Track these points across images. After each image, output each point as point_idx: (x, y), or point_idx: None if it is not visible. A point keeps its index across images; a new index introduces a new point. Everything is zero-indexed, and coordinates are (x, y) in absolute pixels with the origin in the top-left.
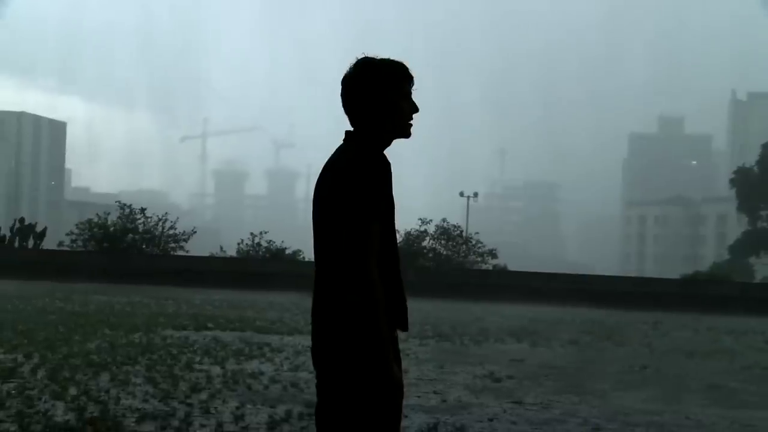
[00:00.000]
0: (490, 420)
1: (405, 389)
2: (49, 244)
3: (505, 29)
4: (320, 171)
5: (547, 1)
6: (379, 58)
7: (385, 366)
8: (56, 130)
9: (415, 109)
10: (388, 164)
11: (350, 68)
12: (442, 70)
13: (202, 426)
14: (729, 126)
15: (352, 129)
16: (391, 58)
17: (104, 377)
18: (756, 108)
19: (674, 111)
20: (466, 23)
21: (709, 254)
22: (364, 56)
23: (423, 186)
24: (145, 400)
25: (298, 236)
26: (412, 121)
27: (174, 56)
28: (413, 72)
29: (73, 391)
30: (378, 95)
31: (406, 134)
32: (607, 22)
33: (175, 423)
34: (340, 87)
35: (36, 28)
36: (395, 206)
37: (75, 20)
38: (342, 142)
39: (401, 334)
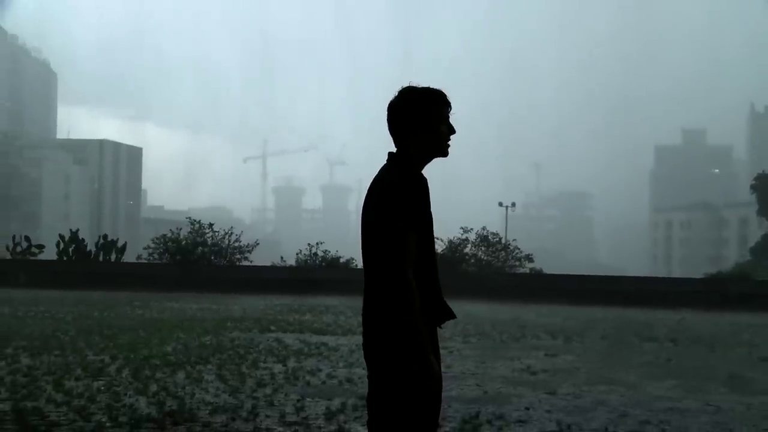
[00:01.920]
0: (527, 409)
1: (449, 382)
2: (128, 257)
3: (538, 50)
4: (368, 188)
5: (580, 21)
6: (421, 86)
7: (424, 359)
8: (133, 154)
9: (453, 131)
10: (425, 181)
11: (395, 96)
12: (482, 90)
13: (267, 417)
14: (748, 136)
15: (394, 150)
16: (431, 86)
17: (180, 375)
18: None
19: (696, 123)
20: (496, 50)
21: (732, 255)
22: (408, 85)
23: (465, 198)
24: (217, 395)
25: (350, 246)
26: (449, 142)
27: (236, 84)
28: (450, 99)
29: (153, 387)
30: (419, 120)
31: (444, 154)
32: (633, 42)
33: (243, 414)
34: (387, 112)
35: (112, 61)
36: (433, 217)
37: (146, 54)
38: (386, 161)
39: (442, 331)
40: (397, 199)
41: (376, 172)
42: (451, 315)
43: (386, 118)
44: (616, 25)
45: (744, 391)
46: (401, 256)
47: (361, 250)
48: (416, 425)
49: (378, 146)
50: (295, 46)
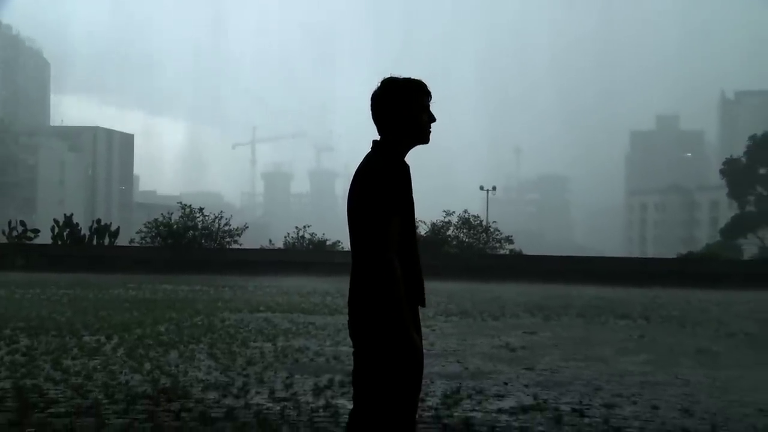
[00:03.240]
0: (505, 384)
1: (432, 359)
2: (121, 241)
3: (517, 40)
4: (353, 175)
5: (557, 11)
6: (402, 77)
7: (407, 334)
8: (125, 141)
9: (433, 119)
10: (407, 168)
11: (378, 87)
12: (464, 79)
13: (257, 393)
14: (719, 122)
15: (378, 138)
16: (411, 76)
17: (173, 354)
18: (742, 105)
19: (670, 110)
20: (477, 38)
21: (703, 236)
22: (389, 76)
23: (446, 182)
24: (208, 373)
25: (336, 229)
26: (430, 130)
27: (225, 72)
28: (431, 88)
29: (147, 366)
30: (401, 109)
31: (425, 141)
32: (609, 32)
33: (234, 391)
34: (370, 102)
35: (104, 51)
36: (414, 202)
37: (138, 43)
38: (370, 149)
39: (425, 310)
40: (382, 186)
41: (361, 160)
42: (422, 303)
43: (369, 107)
44: (594, 16)
45: (711, 365)
46: (387, 239)
47: (348, 234)
48: (400, 398)
49: (363, 133)
50: (283, 36)
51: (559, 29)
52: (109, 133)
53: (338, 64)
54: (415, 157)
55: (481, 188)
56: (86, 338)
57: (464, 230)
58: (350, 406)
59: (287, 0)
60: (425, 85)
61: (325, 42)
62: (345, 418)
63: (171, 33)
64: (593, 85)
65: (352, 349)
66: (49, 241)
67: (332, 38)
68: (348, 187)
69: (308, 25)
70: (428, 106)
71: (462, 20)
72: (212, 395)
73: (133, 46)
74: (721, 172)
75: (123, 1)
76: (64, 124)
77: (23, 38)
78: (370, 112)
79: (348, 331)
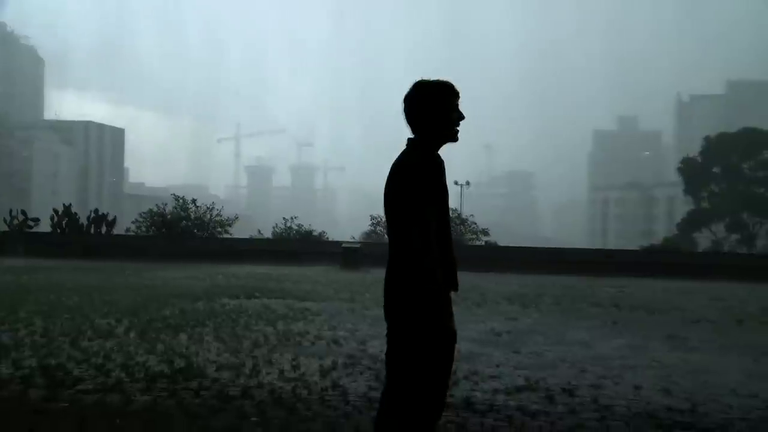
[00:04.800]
0: (497, 366)
1: None
2: (116, 230)
3: (486, 43)
4: (390, 170)
5: (526, 15)
6: (432, 80)
7: (441, 318)
8: (116, 135)
9: (461, 118)
10: (442, 162)
11: (410, 89)
12: (438, 74)
13: (268, 374)
14: (675, 123)
15: (412, 136)
16: (440, 78)
17: (182, 337)
18: (697, 107)
19: (630, 111)
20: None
21: (661, 230)
22: (420, 79)
23: None
24: (219, 354)
25: (317, 220)
26: (458, 128)
27: (211, 70)
28: (458, 88)
29: (161, 347)
30: (432, 110)
31: (455, 139)
32: (575, 36)
33: (246, 372)
34: (402, 104)
35: (96, 49)
36: (448, 193)
37: (129, 41)
38: (405, 146)
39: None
40: (419, 179)
41: (397, 156)
42: (455, 288)
43: (403, 109)
44: (561, 23)
45: (682, 349)
46: (424, 227)
47: (386, 223)
48: (432, 379)
49: (342, 129)
50: (266, 36)
51: (527, 33)
52: (101, 127)
53: (319, 64)
54: (396, 155)
55: (456, 183)
56: (97, 321)
57: None
58: (356, 386)
59: (272, 1)
60: (454, 87)
61: (305, 42)
62: (353, 397)
63: (160, 32)
64: (559, 87)
65: (349, 334)
66: (48, 230)
67: (312, 38)
68: (327, 181)
69: (290, 24)
70: (457, 105)
71: (434, 20)
72: (227, 375)
73: (124, 45)
74: (678, 170)
75: (111, 3)
76: (58, 119)
77: (18, 36)
78: (403, 113)
79: (383, 311)
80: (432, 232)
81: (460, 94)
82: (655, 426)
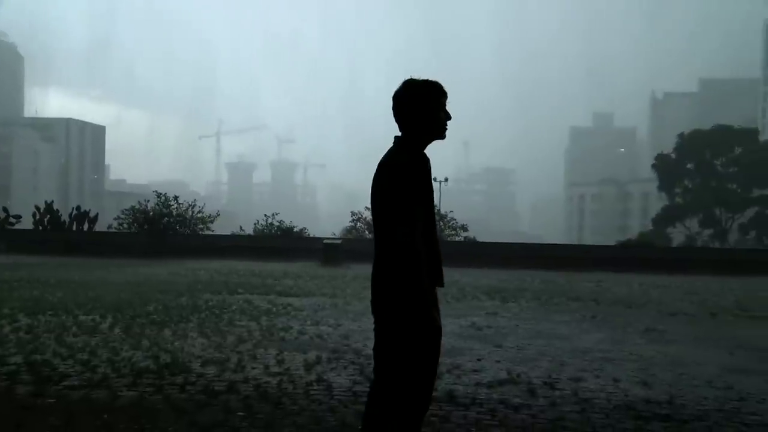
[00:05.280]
0: (479, 360)
1: None
2: (97, 227)
3: (465, 41)
4: (377, 167)
5: (505, 12)
6: (420, 79)
7: (427, 312)
8: (97, 132)
9: (449, 117)
10: (427, 160)
11: (399, 88)
12: (417, 75)
13: (253, 368)
14: (649, 120)
15: (399, 134)
16: (429, 78)
17: (167, 332)
18: (670, 105)
19: (605, 108)
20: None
21: (635, 225)
22: (410, 78)
23: None
24: (204, 349)
25: (299, 216)
26: (446, 126)
27: (191, 67)
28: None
29: (146, 343)
30: (421, 108)
31: (442, 136)
32: (553, 35)
33: (231, 366)
34: (392, 102)
35: (76, 46)
36: (434, 191)
37: (110, 39)
38: (392, 144)
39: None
40: (406, 178)
41: (381, 154)
42: (440, 283)
43: (392, 107)
44: (539, 21)
45: (660, 341)
46: (410, 224)
47: (372, 220)
48: (419, 370)
49: (323, 126)
50: (247, 35)
51: (506, 33)
52: (82, 124)
53: (302, 62)
54: (377, 152)
55: (435, 179)
56: (82, 317)
57: None
58: (340, 380)
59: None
60: (441, 86)
61: (286, 40)
62: (338, 391)
63: (143, 29)
64: (535, 84)
65: (332, 329)
66: (30, 227)
67: (293, 37)
68: (307, 177)
69: (272, 23)
70: (445, 104)
71: (416, 21)
72: (212, 370)
73: (105, 42)
74: (653, 166)
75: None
76: (38, 116)
77: None
78: (392, 110)
79: (370, 306)
80: (418, 229)
81: (448, 94)
82: (634, 417)
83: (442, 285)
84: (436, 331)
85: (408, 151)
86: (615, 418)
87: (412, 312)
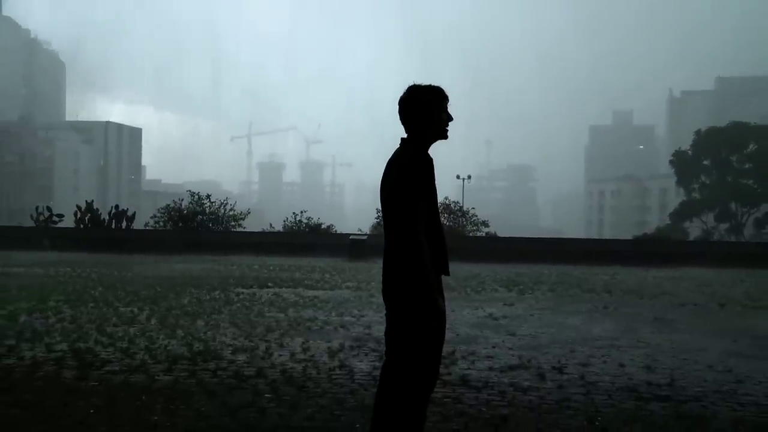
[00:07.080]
0: (493, 347)
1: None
2: (135, 225)
3: (490, 42)
4: (385, 167)
5: (524, 17)
6: (424, 84)
7: (432, 299)
8: (134, 134)
9: (450, 119)
10: (431, 160)
11: (404, 92)
12: (441, 81)
13: (280, 356)
14: (668, 118)
15: (405, 136)
16: (431, 84)
17: (200, 323)
18: (688, 103)
19: (625, 106)
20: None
21: (654, 220)
22: (413, 83)
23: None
24: (234, 338)
25: (327, 213)
26: (448, 128)
27: (225, 71)
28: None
29: (180, 332)
30: (424, 111)
31: (444, 137)
32: (572, 35)
33: (260, 354)
34: (398, 106)
35: (114, 53)
36: (437, 188)
37: (145, 45)
38: (399, 146)
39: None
40: (411, 175)
41: (391, 154)
42: (446, 272)
43: (398, 111)
44: (559, 22)
45: (667, 330)
46: (415, 219)
47: (382, 216)
48: (426, 352)
49: (349, 126)
50: (276, 39)
51: (526, 32)
52: (119, 126)
53: (327, 63)
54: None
55: (458, 177)
56: (121, 309)
57: (445, 215)
58: (362, 366)
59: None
60: (443, 91)
61: (315, 44)
62: (359, 376)
63: (175, 35)
64: (556, 84)
65: (355, 320)
66: (72, 225)
67: (322, 40)
68: (334, 177)
69: (302, 27)
70: (447, 107)
71: (440, 21)
72: (242, 357)
73: (141, 48)
74: (670, 162)
75: (128, 8)
76: (79, 119)
77: (41, 42)
78: (398, 114)
79: (381, 296)
80: (422, 223)
81: (449, 98)
82: (635, 399)
83: (447, 274)
84: (441, 315)
85: (413, 151)
86: (617, 399)
87: (418, 298)
